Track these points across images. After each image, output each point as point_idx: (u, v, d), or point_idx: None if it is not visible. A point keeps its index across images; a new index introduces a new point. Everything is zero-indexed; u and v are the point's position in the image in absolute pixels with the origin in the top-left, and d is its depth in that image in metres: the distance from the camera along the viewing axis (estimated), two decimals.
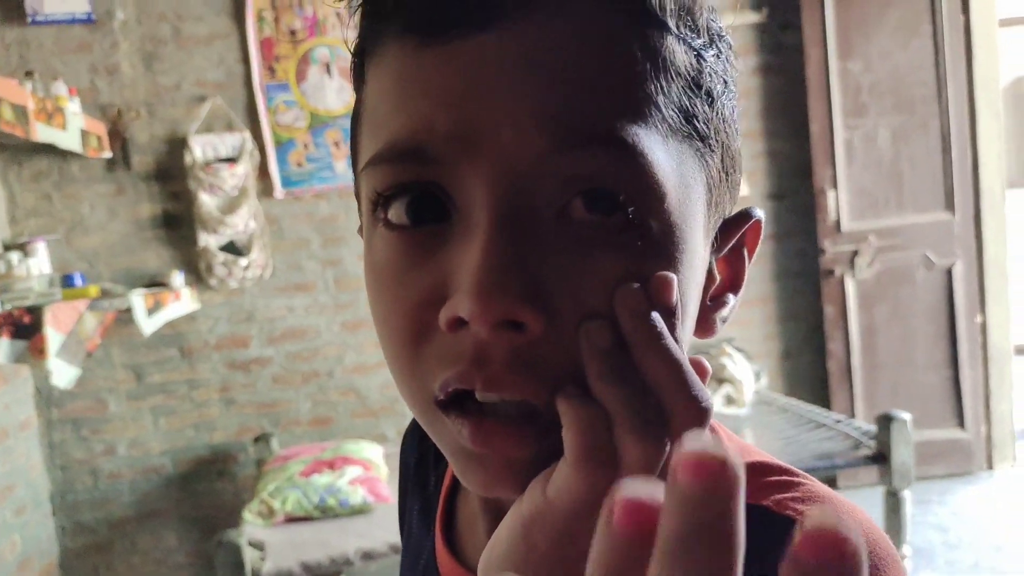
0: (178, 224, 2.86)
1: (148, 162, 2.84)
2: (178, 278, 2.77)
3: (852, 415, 3.06)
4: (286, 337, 2.97)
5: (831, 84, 3.09)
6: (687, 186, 0.30)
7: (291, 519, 1.99)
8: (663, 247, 0.29)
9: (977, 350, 3.22)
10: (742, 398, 2.88)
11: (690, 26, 0.32)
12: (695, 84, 0.31)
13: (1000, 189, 3.22)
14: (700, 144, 0.32)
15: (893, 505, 2.30)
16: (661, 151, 0.29)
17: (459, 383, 0.29)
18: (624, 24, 0.30)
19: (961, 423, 3.23)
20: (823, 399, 3.13)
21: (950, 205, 3.18)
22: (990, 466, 3.26)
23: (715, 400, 2.88)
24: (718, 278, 0.35)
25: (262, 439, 2.75)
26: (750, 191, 3.17)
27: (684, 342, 0.30)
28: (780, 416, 2.80)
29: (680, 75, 0.31)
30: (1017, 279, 3.35)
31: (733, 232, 0.36)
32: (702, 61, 0.32)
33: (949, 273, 3.20)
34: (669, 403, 0.26)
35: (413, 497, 0.49)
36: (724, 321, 0.36)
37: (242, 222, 2.81)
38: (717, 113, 0.33)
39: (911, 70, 3.12)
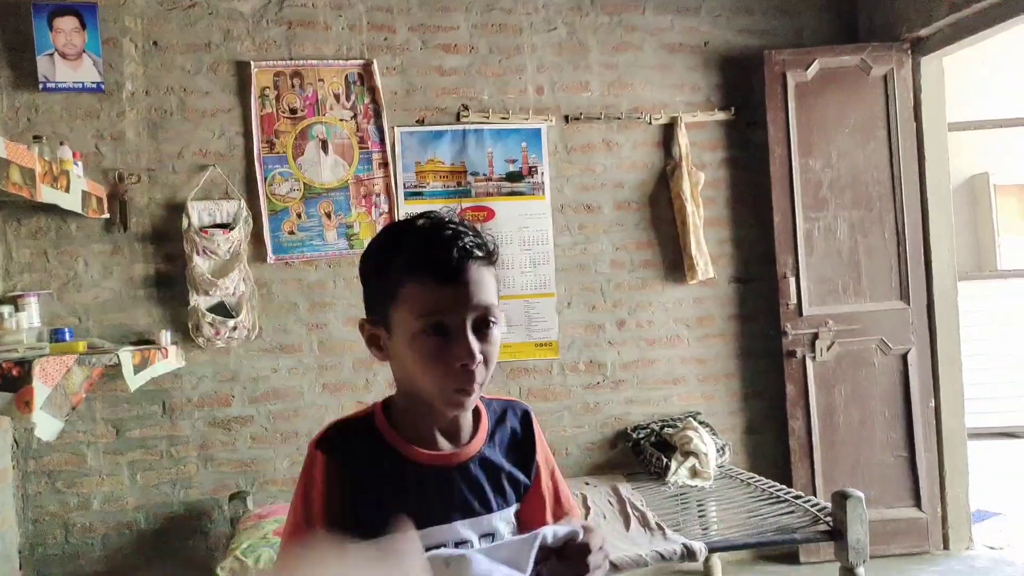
0: (170, 284, 2.96)
1: (145, 224, 2.96)
2: (166, 336, 2.86)
3: (813, 491, 3.16)
4: (268, 397, 3.04)
5: (793, 178, 3.32)
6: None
7: None
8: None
9: (932, 433, 3.37)
10: (707, 471, 2.97)
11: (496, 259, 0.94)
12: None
13: (951, 282, 3.43)
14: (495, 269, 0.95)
15: None
16: (496, 298, 0.92)
17: (466, 384, 0.89)
18: (488, 266, 0.91)
19: (918, 503, 3.35)
20: (784, 474, 3.24)
21: (904, 295, 3.37)
22: (946, 547, 3.36)
23: (681, 472, 2.98)
24: None
25: (237, 497, 2.80)
26: (716, 274, 3.34)
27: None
28: (742, 490, 2.90)
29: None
30: (967, 367, 3.51)
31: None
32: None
33: (904, 359, 3.37)
34: None
35: (366, 476, 0.90)
36: None
37: (232, 285, 2.93)
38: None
39: (868, 169, 3.36)
